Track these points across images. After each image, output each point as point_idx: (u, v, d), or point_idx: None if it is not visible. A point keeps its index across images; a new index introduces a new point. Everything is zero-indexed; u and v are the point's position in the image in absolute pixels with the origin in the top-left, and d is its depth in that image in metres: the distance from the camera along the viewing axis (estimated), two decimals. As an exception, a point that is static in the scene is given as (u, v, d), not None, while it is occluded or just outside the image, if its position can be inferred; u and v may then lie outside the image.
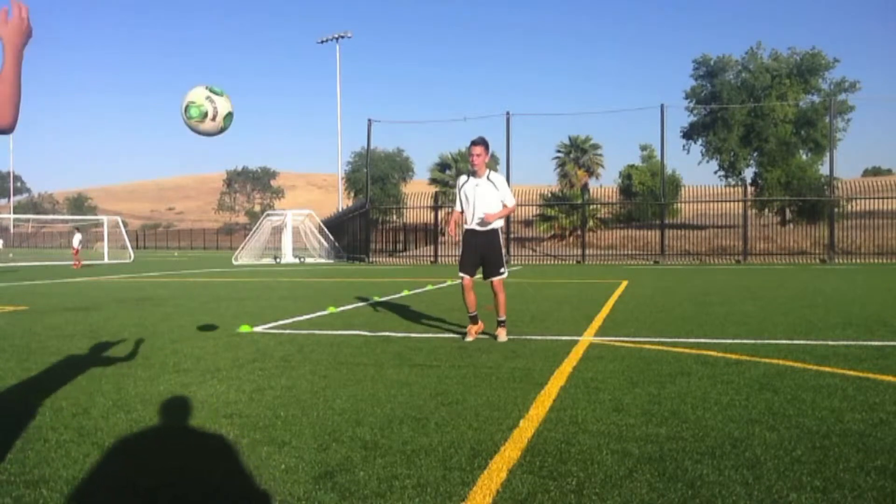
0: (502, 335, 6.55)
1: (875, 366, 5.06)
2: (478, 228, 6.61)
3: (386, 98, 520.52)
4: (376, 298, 11.36)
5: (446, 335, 6.95)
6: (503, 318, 6.66)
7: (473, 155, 6.52)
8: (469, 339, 6.55)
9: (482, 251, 6.64)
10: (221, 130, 4.13)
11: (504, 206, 6.66)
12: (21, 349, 6.22)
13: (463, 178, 6.75)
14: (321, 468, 2.96)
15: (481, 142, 6.52)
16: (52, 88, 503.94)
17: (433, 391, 4.39)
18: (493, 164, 63.41)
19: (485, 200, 6.55)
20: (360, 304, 10.60)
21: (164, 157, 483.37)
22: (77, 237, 30.24)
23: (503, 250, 6.79)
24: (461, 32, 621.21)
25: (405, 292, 12.76)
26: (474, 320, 6.68)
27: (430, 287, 14.37)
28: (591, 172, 51.46)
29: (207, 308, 10.14)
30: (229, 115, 4.13)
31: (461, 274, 6.72)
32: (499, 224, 6.70)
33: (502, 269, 6.68)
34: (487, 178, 6.61)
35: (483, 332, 6.79)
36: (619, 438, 3.33)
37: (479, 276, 6.85)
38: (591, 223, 36.33)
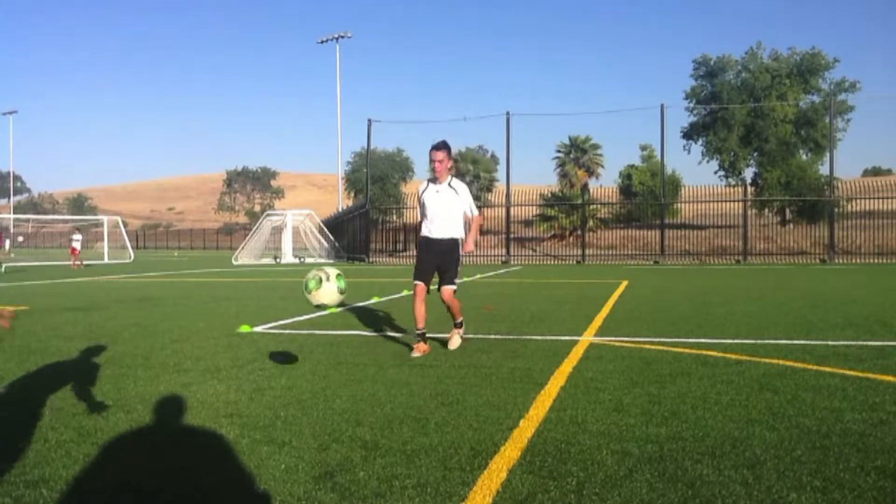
0: (454, 341, 6.14)
1: (875, 366, 5.06)
2: (437, 237, 6.13)
3: (386, 98, 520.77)
4: (376, 299, 11.36)
5: (446, 335, 6.94)
6: (459, 319, 6.24)
7: (435, 161, 6.02)
8: (415, 354, 5.88)
9: (440, 259, 6.14)
10: (341, 291, 4.87)
11: (470, 219, 6.23)
12: (21, 349, 6.22)
13: (423, 184, 6.29)
14: (321, 468, 2.96)
15: (443, 146, 6.04)
16: (53, 88, 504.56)
17: (433, 391, 4.39)
18: (492, 163, 63.63)
19: (446, 208, 6.10)
20: (360, 304, 10.60)
21: (164, 157, 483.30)
22: (77, 237, 30.26)
23: (460, 261, 6.28)
24: (461, 32, 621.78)
25: (405, 292, 12.75)
26: (422, 338, 6.03)
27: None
28: (591, 172, 51.46)
29: (207, 308, 10.14)
30: (340, 276, 4.94)
31: (415, 281, 6.14)
32: (459, 234, 6.19)
33: (455, 280, 6.17)
34: (449, 184, 6.11)
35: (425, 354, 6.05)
36: (619, 438, 3.33)
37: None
38: (591, 223, 36.33)
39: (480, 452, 3.15)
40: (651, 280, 16.82)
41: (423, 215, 6.23)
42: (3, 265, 24.10)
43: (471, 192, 6.39)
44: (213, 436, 3.49)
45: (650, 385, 4.49)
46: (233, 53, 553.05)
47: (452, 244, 6.16)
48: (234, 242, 63.60)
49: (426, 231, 6.19)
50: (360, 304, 10.61)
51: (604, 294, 12.05)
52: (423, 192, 6.22)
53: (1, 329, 5.05)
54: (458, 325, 6.28)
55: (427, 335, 6.12)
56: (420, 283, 6.13)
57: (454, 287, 6.15)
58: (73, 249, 29.09)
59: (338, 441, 3.34)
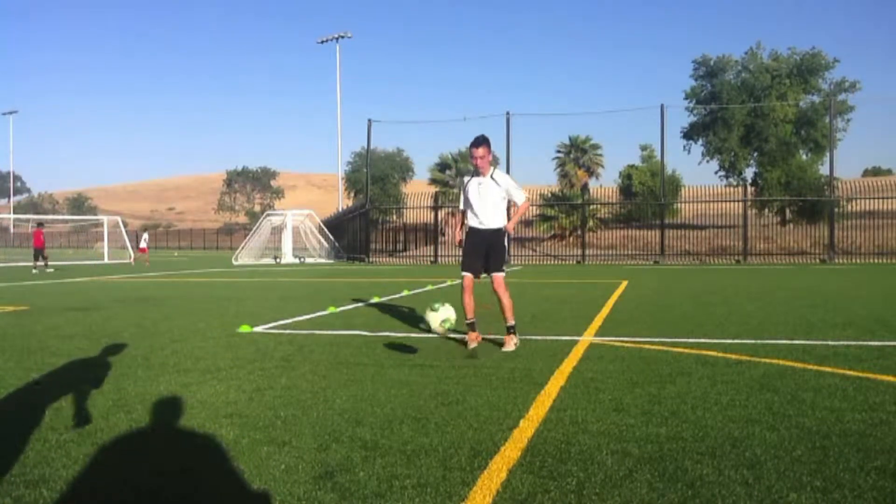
0: (509, 344, 6.08)
1: (875, 366, 5.06)
2: (483, 227, 6.37)
3: (386, 98, 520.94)
4: (376, 299, 11.36)
5: (447, 336, 6.94)
6: (512, 323, 6.24)
7: (476, 157, 6.25)
8: (472, 345, 6.18)
9: (486, 249, 6.36)
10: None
11: (515, 206, 6.47)
12: (21, 349, 6.22)
13: (467, 177, 6.52)
14: (321, 468, 2.96)
15: (483, 142, 6.22)
16: (52, 88, 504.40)
17: (433, 391, 4.38)
18: (493, 163, 63.58)
19: (489, 199, 6.32)
20: (360, 304, 10.60)
21: (164, 157, 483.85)
22: (145, 237, 35.01)
23: (506, 249, 6.62)
24: (461, 32, 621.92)
25: (405, 292, 12.76)
26: (472, 327, 6.29)
27: (430, 287, 14.36)
28: (591, 172, 51.41)
29: (207, 308, 10.14)
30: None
31: (463, 273, 6.38)
32: (503, 223, 6.42)
33: (504, 267, 6.47)
34: (491, 176, 6.35)
35: (483, 339, 6.49)
36: (619, 438, 3.33)
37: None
38: (591, 223, 36.31)
39: (480, 452, 3.14)
40: (651, 280, 16.82)
41: (468, 207, 6.46)
42: (50, 265, 25.74)
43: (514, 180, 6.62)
44: (213, 436, 3.49)
45: (650, 385, 4.49)
46: (233, 53, 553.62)
47: (497, 233, 6.40)
48: (234, 242, 63.61)
49: (472, 222, 6.45)
50: (361, 304, 10.61)
51: (604, 294, 12.05)
52: (466, 184, 6.47)
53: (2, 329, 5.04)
54: (511, 330, 6.22)
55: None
56: (468, 274, 6.37)
57: (503, 273, 6.37)
58: (143, 249, 33.39)
59: (338, 441, 3.34)
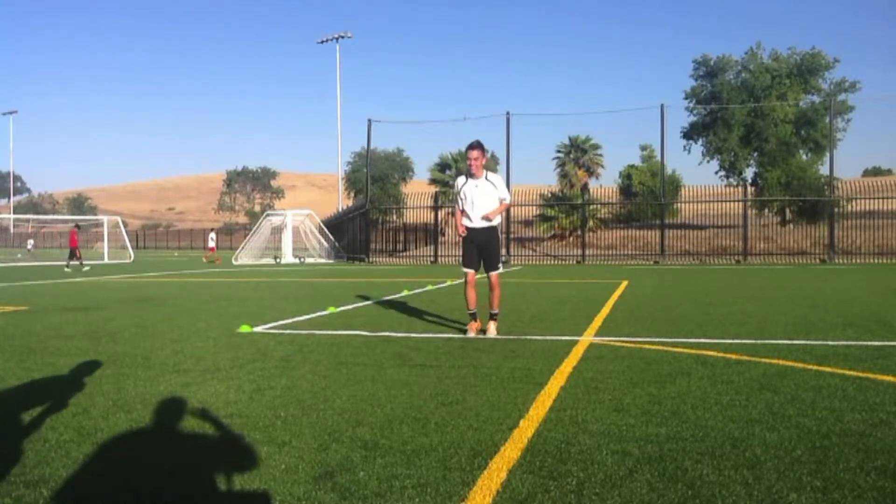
0: (492, 329, 6.79)
1: (875, 366, 5.06)
2: (479, 226, 6.92)
3: (386, 98, 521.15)
4: (376, 298, 11.35)
5: (446, 335, 6.95)
6: (496, 311, 6.95)
7: (471, 160, 6.84)
8: (470, 334, 6.80)
9: (483, 247, 6.97)
10: None
11: (501, 202, 6.99)
12: (21, 349, 6.22)
13: (461, 179, 7.06)
14: (321, 468, 2.96)
15: (478, 146, 6.83)
16: (53, 88, 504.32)
17: (433, 391, 4.38)
18: (493, 164, 63.67)
19: (485, 200, 6.89)
20: (360, 304, 10.60)
21: (164, 157, 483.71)
22: (212, 236, 37.20)
23: (500, 247, 7.20)
24: (461, 32, 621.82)
25: (405, 292, 12.75)
26: (474, 317, 6.95)
27: (430, 287, 14.36)
28: (591, 172, 51.37)
29: (207, 308, 10.13)
30: None
31: (465, 269, 7.04)
32: (497, 221, 7.05)
33: (499, 265, 7.12)
34: (486, 178, 6.93)
35: (479, 331, 6.94)
36: (619, 438, 3.33)
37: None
38: (591, 223, 36.31)
39: (480, 452, 3.14)
40: (651, 280, 16.82)
41: (463, 207, 6.99)
42: (85, 264, 26.25)
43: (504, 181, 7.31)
44: (213, 436, 3.49)
45: (650, 385, 4.49)
46: (233, 53, 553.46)
47: (492, 231, 7.02)
48: (234, 242, 63.59)
49: (468, 222, 6.98)
50: (361, 304, 10.61)
51: (604, 294, 12.05)
52: (462, 186, 7.04)
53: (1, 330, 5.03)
54: (494, 317, 6.92)
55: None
56: (470, 271, 7.04)
57: (500, 271, 7.07)
58: (212, 248, 35.60)
59: (338, 441, 3.34)
